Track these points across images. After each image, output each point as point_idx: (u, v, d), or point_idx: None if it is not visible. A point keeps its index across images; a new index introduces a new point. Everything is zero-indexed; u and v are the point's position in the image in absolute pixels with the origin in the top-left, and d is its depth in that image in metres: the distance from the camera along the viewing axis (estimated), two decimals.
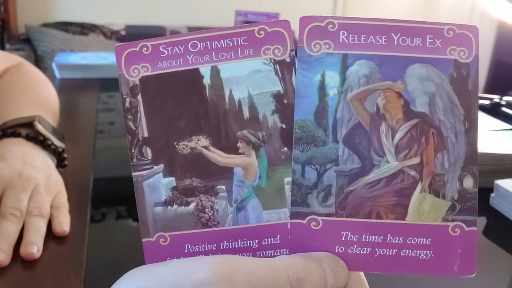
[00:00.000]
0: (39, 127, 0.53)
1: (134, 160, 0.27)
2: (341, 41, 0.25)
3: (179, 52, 0.26)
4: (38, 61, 2.22)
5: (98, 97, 0.97)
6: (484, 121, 0.81)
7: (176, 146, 0.26)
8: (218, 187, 0.27)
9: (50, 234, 0.44)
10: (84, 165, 0.59)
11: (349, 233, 0.25)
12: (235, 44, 0.26)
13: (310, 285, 0.22)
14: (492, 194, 0.59)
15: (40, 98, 0.63)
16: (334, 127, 0.26)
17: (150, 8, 2.66)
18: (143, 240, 0.26)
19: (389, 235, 0.24)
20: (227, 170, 0.27)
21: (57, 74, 1.09)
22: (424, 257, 0.24)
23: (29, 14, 2.48)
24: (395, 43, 0.25)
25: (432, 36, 0.25)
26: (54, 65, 1.10)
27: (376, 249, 0.24)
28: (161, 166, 0.27)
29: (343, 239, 0.25)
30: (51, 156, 0.52)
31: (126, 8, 2.62)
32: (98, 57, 1.18)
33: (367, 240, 0.24)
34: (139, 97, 0.27)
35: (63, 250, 0.43)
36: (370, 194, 0.25)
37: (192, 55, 0.26)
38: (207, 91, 0.27)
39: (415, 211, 0.24)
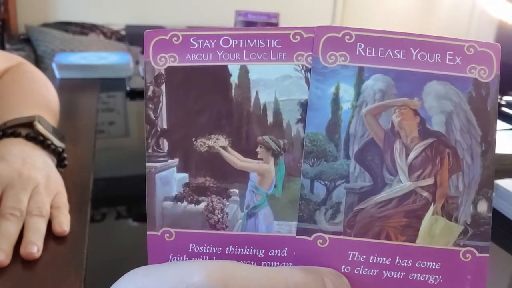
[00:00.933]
0: (39, 127, 0.53)
1: (150, 150, 0.26)
2: (357, 53, 0.24)
3: (209, 47, 0.25)
4: (38, 61, 2.22)
5: (98, 97, 0.97)
6: None
7: (194, 142, 0.26)
8: (231, 190, 0.26)
9: (50, 234, 0.44)
10: (84, 165, 0.59)
11: (357, 253, 0.24)
12: (268, 46, 0.25)
13: None
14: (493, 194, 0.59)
15: (40, 98, 0.63)
16: (346, 142, 0.25)
17: (150, 8, 2.66)
18: (148, 232, 0.26)
19: (397, 257, 0.23)
20: (242, 174, 0.26)
21: (57, 74, 1.09)
22: (433, 281, 0.23)
23: (29, 14, 2.48)
24: (413, 58, 0.24)
25: (452, 52, 0.24)
26: (54, 65, 1.09)
27: (384, 271, 0.24)
28: (176, 160, 0.26)
29: (350, 258, 0.24)
30: (51, 156, 0.52)
31: (126, 8, 2.63)
32: (98, 57, 1.18)
33: (374, 261, 0.24)
34: (163, 87, 0.26)
35: (63, 250, 0.43)
36: (380, 214, 0.24)
37: (222, 51, 0.25)
38: (233, 90, 0.26)
39: (426, 234, 0.23)
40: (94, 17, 2.53)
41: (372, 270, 0.24)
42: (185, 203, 0.26)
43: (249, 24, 1.07)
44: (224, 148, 0.26)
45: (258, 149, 0.26)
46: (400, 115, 0.24)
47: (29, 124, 0.52)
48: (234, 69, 0.26)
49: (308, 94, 0.25)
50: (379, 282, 0.24)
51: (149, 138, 0.26)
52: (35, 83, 0.68)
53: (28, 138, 0.51)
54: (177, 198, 0.26)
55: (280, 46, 0.25)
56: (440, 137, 0.24)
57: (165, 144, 0.26)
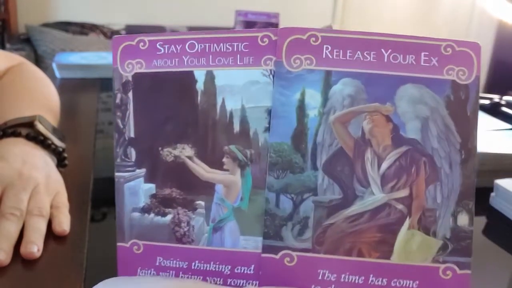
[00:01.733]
0: (40, 126, 0.53)
1: (118, 160, 0.26)
2: (324, 56, 0.23)
3: (175, 52, 0.25)
4: (38, 61, 2.22)
5: (98, 97, 0.97)
6: (484, 121, 0.81)
7: (161, 152, 0.25)
8: (197, 202, 0.25)
9: (50, 234, 0.44)
10: (84, 165, 0.59)
11: (327, 272, 0.22)
12: (235, 50, 0.24)
13: None
14: (492, 194, 0.59)
15: (41, 98, 0.63)
16: (313, 152, 0.23)
17: (150, 8, 2.67)
18: (118, 244, 0.26)
19: (371, 275, 0.22)
20: (208, 185, 0.25)
21: (57, 74, 1.09)
22: None
23: (29, 14, 2.48)
24: (385, 60, 0.22)
25: (427, 53, 0.22)
26: (54, 65, 1.10)
27: None
28: (143, 170, 0.26)
29: (319, 278, 0.22)
30: (51, 156, 0.52)
31: (126, 8, 2.63)
32: (98, 57, 1.18)
33: (346, 280, 0.22)
34: (130, 94, 0.26)
35: (63, 250, 0.43)
36: (352, 228, 0.22)
37: (188, 56, 0.25)
38: (199, 97, 0.25)
39: (402, 250, 0.22)
40: (94, 17, 2.53)
41: None
42: (152, 214, 0.26)
43: (249, 24, 1.07)
44: (190, 158, 0.25)
45: (224, 159, 0.25)
46: (371, 122, 0.22)
47: (29, 123, 0.52)
48: (200, 75, 0.25)
49: (272, 101, 0.24)
50: None
51: (118, 147, 0.26)
52: (36, 82, 0.68)
53: (28, 137, 0.51)
54: (145, 209, 0.26)
55: (248, 50, 0.24)
56: (415, 145, 0.22)
57: (132, 154, 0.26)
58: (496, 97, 0.94)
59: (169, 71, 0.25)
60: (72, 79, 1.08)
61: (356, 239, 0.22)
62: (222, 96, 0.25)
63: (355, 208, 0.22)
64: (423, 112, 0.22)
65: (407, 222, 0.22)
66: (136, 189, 0.26)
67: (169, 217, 0.25)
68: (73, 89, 1.02)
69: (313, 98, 0.23)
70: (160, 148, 0.25)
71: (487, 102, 0.93)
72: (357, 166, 0.22)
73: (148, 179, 0.26)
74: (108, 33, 2.44)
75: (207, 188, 0.25)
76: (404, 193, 0.22)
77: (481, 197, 0.63)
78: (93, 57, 1.17)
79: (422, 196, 0.22)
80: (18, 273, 0.40)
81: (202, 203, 0.25)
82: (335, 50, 0.23)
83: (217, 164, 0.25)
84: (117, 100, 0.26)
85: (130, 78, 0.26)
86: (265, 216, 0.23)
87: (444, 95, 0.22)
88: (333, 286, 0.22)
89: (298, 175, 0.23)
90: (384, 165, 0.22)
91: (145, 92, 0.25)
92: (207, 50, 0.25)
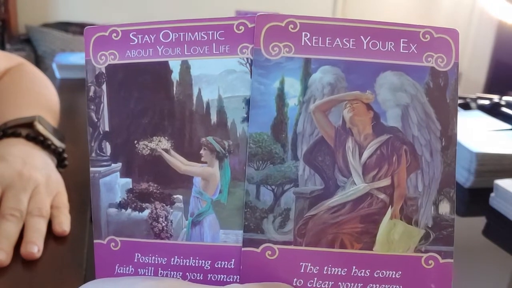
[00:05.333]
0: (39, 127, 0.53)
1: (93, 154, 0.26)
2: (303, 43, 0.22)
3: (149, 42, 0.24)
4: (39, 61, 2.22)
5: None
6: (484, 121, 0.81)
7: (136, 145, 0.25)
8: (175, 196, 0.24)
9: (50, 234, 0.44)
10: (84, 165, 0.59)
11: (309, 264, 0.22)
12: (210, 39, 0.23)
13: None
14: (492, 194, 0.59)
15: (41, 98, 0.63)
16: (294, 142, 0.23)
17: (150, 8, 2.67)
18: (95, 241, 0.25)
19: (354, 267, 0.21)
20: (186, 178, 0.24)
21: (57, 74, 1.09)
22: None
23: (29, 14, 2.48)
24: (365, 47, 0.22)
25: (406, 40, 0.22)
26: (54, 65, 1.09)
27: (340, 282, 0.22)
28: (119, 164, 0.25)
29: (302, 270, 0.22)
30: (51, 156, 0.52)
31: (126, 8, 2.63)
32: None
33: (329, 272, 0.22)
34: (104, 86, 0.25)
35: (63, 250, 0.43)
36: (334, 220, 0.22)
37: (162, 46, 0.24)
38: (175, 88, 0.24)
39: (384, 240, 0.21)
40: (95, 17, 2.53)
41: (327, 282, 0.22)
42: (129, 210, 0.25)
43: None
44: (166, 150, 0.24)
45: (201, 152, 0.24)
46: (352, 110, 0.22)
47: (29, 124, 0.52)
48: (175, 65, 0.24)
49: (250, 90, 0.23)
50: None
51: (92, 141, 0.26)
52: (36, 83, 0.68)
53: (28, 138, 0.51)
54: (121, 205, 0.25)
55: (223, 38, 0.23)
56: (396, 133, 0.22)
57: (107, 148, 0.25)
58: (496, 97, 0.94)
59: (144, 62, 0.24)
60: (72, 79, 1.08)
61: (338, 230, 0.22)
62: (199, 86, 0.24)
63: (337, 198, 0.22)
64: (403, 99, 0.22)
65: (389, 212, 0.22)
66: (112, 184, 0.25)
67: (146, 212, 0.25)
68: (73, 89, 1.02)
69: (292, 87, 0.23)
70: (135, 142, 0.25)
71: (487, 102, 0.93)
72: (338, 155, 0.22)
73: (124, 173, 0.25)
74: None
75: (185, 182, 0.25)
76: (385, 182, 0.22)
77: (481, 198, 0.63)
78: None
79: (403, 185, 0.22)
80: (18, 273, 0.40)
81: (180, 197, 0.25)
82: (314, 37, 0.22)
83: (194, 156, 0.24)
84: (91, 93, 0.25)
85: (103, 70, 0.25)
86: (245, 208, 0.23)
87: (424, 82, 0.22)
88: (315, 279, 0.22)
89: (278, 166, 0.22)
90: (366, 154, 0.22)
91: (120, 84, 0.25)
92: (181, 40, 0.24)
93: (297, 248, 0.22)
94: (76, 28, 2.41)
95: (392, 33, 0.22)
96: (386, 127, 0.22)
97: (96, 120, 0.26)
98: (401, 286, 0.21)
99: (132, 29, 0.24)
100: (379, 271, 0.21)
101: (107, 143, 0.25)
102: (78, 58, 1.15)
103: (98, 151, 0.26)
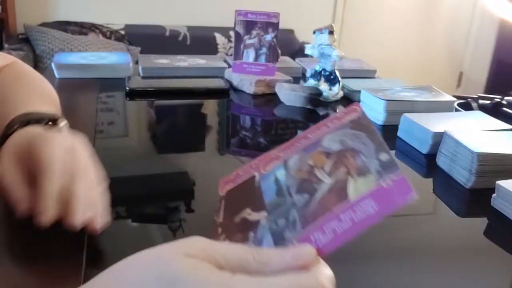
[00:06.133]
0: (62, 125, 0.53)
1: None
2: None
3: None
4: (37, 61, 2.22)
5: (97, 97, 0.97)
6: (485, 121, 0.80)
7: None
8: None
9: (50, 234, 0.44)
10: None
11: (315, 233, 0.29)
12: None
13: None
14: (494, 195, 0.59)
15: (44, 92, 0.63)
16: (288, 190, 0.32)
17: (150, 8, 2.66)
18: None
19: (340, 214, 0.28)
20: None
21: (56, 74, 1.08)
22: (373, 211, 0.28)
23: (28, 14, 2.48)
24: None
25: None
26: (53, 65, 1.09)
27: (336, 229, 0.28)
28: None
29: (313, 240, 0.28)
30: None
31: (125, 8, 2.62)
32: (98, 57, 1.17)
33: (327, 228, 0.29)
34: None
35: (63, 250, 0.43)
36: (320, 204, 0.30)
37: None
38: None
39: (354, 192, 0.29)
40: (94, 16, 2.53)
41: (328, 235, 0.28)
42: None
43: (249, 23, 1.07)
44: None
45: None
46: (311, 159, 0.32)
47: (53, 120, 0.52)
48: None
49: None
50: (338, 237, 0.28)
51: None
52: (35, 78, 0.67)
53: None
54: None
55: None
56: (341, 150, 0.32)
57: None
58: (497, 97, 0.93)
59: None
60: (71, 79, 1.07)
61: (324, 205, 0.30)
62: None
63: (317, 196, 0.31)
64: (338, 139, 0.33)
65: (350, 180, 0.30)
66: None
67: None
68: (72, 89, 1.01)
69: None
70: None
71: (488, 102, 0.93)
72: (313, 179, 0.32)
73: None
74: (107, 33, 2.44)
75: None
76: (343, 171, 0.31)
77: (482, 198, 0.63)
78: (92, 57, 1.17)
79: (354, 165, 0.30)
80: (18, 273, 0.40)
81: None
82: None
83: None
84: None
85: None
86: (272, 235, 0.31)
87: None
88: (322, 238, 0.28)
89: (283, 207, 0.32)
90: (327, 169, 0.31)
91: None
92: None
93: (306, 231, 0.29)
94: (75, 28, 2.41)
95: None
96: (334, 152, 0.32)
97: None
98: (375, 204, 0.28)
99: None
100: (357, 207, 0.28)
101: None
102: (77, 58, 1.15)
103: None
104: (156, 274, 0.24)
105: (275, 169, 0.34)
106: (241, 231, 0.32)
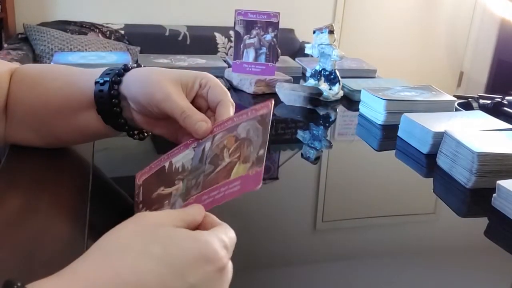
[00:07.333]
0: None
1: None
2: None
3: None
4: (37, 61, 2.21)
5: None
6: (486, 121, 0.80)
7: None
8: None
9: (50, 234, 0.43)
10: (84, 165, 0.59)
11: (203, 196, 0.39)
12: None
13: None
14: (494, 195, 0.59)
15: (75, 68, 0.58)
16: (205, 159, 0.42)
17: (150, 7, 2.66)
18: None
19: (221, 187, 0.38)
20: None
21: None
22: (236, 190, 0.37)
23: (27, 13, 2.47)
24: None
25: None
26: None
27: (215, 196, 0.38)
28: None
29: (202, 200, 0.39)
30: None
31: (125, 7, 2.62)
32: (97, 57, 1.17)
33: (210, 194, 0.39)
34: None
35: (63, 250, 0.43)
36: (216, 176, 0.40)
37: None
38: None
39: (234, 174, 0.38)
40: (93, 16, 2.52)
41: (209, 199, 0.39)
42: None
43: (249, 23, 1.07)
44: None
45: None
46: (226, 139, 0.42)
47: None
48: None
49: None
50: (214, 201, 0.38)
51: None
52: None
53: None
54: None
55: None
56: (243, 139, 0.40)
57: None
58: (498, 97, 0.93)
59: None
60: None
61: (216, 181, 0.39)
62: None
63: (217, 170, 0.41)
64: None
65: (238, 164, 0.39)
66: None
67: None
68: None
69: None
70: None
71: (489, 101, 0.92)
72: (220, 156, 0.41)
73: None
74: (107, 33, 2.44)
75: None
76: (236, 154, 0.40)
77: (483, 198, 0.63)
78: (92, 57, 1.16)
79: (245, 153, 0.39)
80: (18, 273, 0.39)
81: None
82: None
83: None
84: None
85: None
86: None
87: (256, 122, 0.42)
88: (205, 198, 0.39)
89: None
90: (230, 151, 0.41)
91: None
92: None
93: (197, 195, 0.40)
94: (75, 27, 2.40)
95: None
96: (240, 139, 0.41)
97: None
98: (239, 185, 0.37)
99: None
100: (230, 185, 0.38)
101: None
102: (76, 58, 1.15)
103: None
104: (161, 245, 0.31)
105: (206, 140, 0.43)
106: (158, 203, 0.42)
